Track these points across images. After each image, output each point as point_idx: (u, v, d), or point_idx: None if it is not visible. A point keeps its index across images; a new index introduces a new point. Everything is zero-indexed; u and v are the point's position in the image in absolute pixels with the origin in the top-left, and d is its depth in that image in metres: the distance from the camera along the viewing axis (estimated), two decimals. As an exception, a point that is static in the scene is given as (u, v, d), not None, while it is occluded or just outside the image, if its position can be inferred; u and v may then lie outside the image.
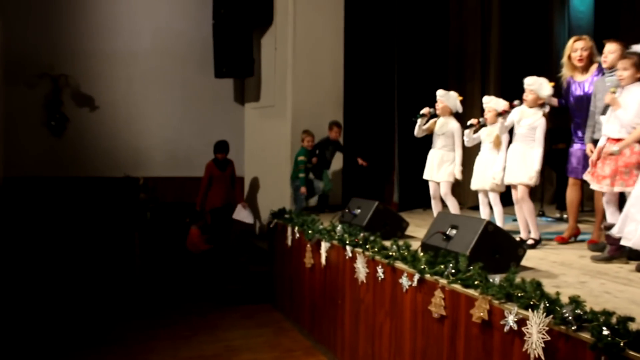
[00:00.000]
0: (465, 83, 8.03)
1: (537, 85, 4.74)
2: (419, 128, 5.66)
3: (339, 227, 5.07)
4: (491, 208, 5.22)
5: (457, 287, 3.32)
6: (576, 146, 4.97)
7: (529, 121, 4.76)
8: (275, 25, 8.41)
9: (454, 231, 3.79)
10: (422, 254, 3.86)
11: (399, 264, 3.97)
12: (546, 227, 6.00)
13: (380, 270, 4.23)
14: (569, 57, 4.95)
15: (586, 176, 4.31)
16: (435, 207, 5.76)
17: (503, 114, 4.85)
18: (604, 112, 4.32)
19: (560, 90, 5.11)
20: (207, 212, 8.14)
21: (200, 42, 8.76)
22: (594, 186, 4.24)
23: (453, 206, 5.58)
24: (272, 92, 8.47)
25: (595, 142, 4.48)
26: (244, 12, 8.28)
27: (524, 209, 4.80)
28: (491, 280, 3.10)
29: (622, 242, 3.74)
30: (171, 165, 8.81)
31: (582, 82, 4.92)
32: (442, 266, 3.47)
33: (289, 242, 6.37)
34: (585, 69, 4.92)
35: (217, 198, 8.09)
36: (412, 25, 8.14)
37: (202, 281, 7.82)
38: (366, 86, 8.17)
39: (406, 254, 3.91)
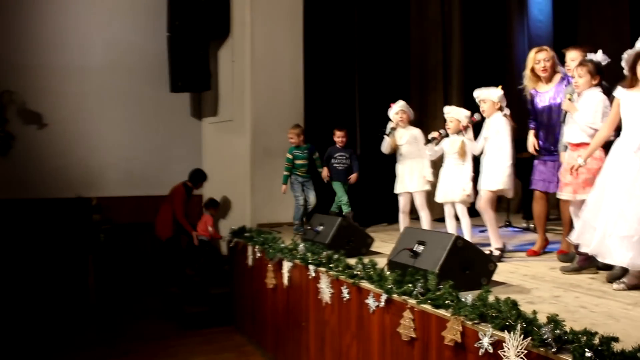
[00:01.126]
0: (428, 94, 7.93)
1: (486, 93, 4.68)
2: (389, 144, 5.54)
3: (301, 246, 4.82)
4: (457, 220, 5.06)
5: (427, 307, 3.11)
6: (542, 158, 4.86)
7: (493, 127, 4.67)
8: (233, 37, 8.17)
9: (422, 247, 3.59)
10: (388, 272, 3.64)
11: (365, 284, 3.74)
12: (513, 238, 5.88)
13: (345, 291, 3.99)
14: (532, 69, 4.83)
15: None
16: (403, 222, 5.58)
17: (465, 129, 4.77)
18: (563, 120, 4.26)
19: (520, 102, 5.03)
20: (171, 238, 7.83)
21: (155, 56, 8.43)
22: (559, 195, 4.17)
23: (426, 220, 5.42)
24: (230, 106, 8.21)
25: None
26: (199, 24, 8.01)
27: (486, 217, 4.65)
28: (463, 299, 2.90)
29: (581, 249, 3.66)
30: (126, 184, 8.42)
31: (546, 92, 4.82)
32: (411, 285, 3.26)
33: (250, 261, 6.10)
34: (548, 79, 4.83)
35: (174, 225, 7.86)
36: (373, 36, 8.05)
37: (160, 304, 7.45)
38: (327, 99, 7.97)
39: (372, 272, 3.69)
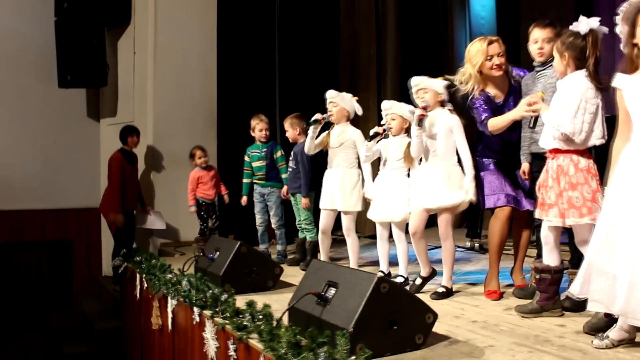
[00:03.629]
0: (359, 93, 6.93)
1: (427, 81, 3.66)
2: (312, 140, 4.41)
3: (184, 280, 3.69)
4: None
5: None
6: (492, 166, 3.66)
7: (442, 124, 3.62)
8: (134, 25, 6.99)
9: (333, 291, 2.53)
10: (286, 326, 2.56)
11: (255, 342, 2.65)
12: (459, 263, 4.92)
13: (232, 347, 2.89)
14: (481, 65, 3.51)
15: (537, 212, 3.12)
16: (323, 244, 4.52)
17: (422, 118, 3.56)
18: (534, 125, 3.18)
19: (462, 106, 3.90)
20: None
21: (41, 44, 7.13)
22: (546, 219, 2.99)
23: (353, 247, 4.32)
24: (131, 105, 7.01)
25: (533, 158, 3.40)
26: (93, 7, 6.78)
27: (445, 249, 3.64)
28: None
29: (590, 307, 2.51)
30: (4, 196, 7.04)
31: (504, 100, 3.61)
32: (312, 354, 2.19)
33: (138, 293, 4.92)
34: (500, 82, 3.60)
35: (130, 200, 6.26)
36: (298, 27, 7.10)
37: (33, 341, 6.14)
38: (244, 97, 6.89)
39: (263, 326, 2.60)
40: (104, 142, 7.60)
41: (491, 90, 3.60)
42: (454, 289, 3.71)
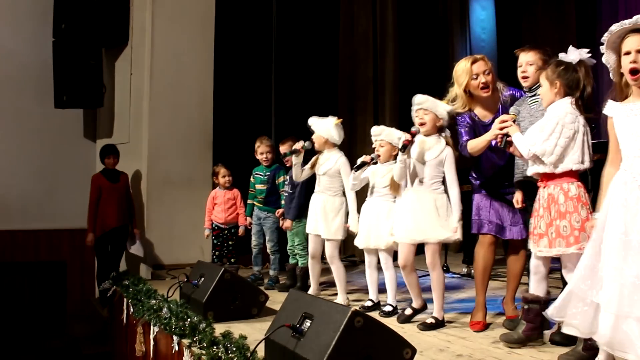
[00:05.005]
0: (357, 115, 6.91)
1: (432, 102, 3.54)
2: (297, 167, 4.34)
3: (165, 307, 3.59)
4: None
5: None
6: (485, 191, 3.59)
7: (434, 153, 3.53)
8: (131, 46, 6.96)
9: (308, 323, 2.44)
10: (260, 359, 2.47)
11: (227, 375, 2.56)
12: (453, 291, 4.80)
13: (207, 379, 2.79)
14: (467, 85, 3.46)
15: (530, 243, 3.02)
16: (313, 270, 4.43)
17: (407, 144, 3.49)
18: (504, 146, 3.08)
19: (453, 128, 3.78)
20: (96, 238, 6.16)
21: (38, 65, 7.10)
22: (533, 249, 2.94)
23: (338, 274, 4.23)
24: (127, 125, 6.97)
25: (523, 185, 3.26)
26: (91, 28, 6.75)
27: (433, 279, 3.54)
28: None
29: (564, 329, 2.49)
30: (0, 216, 6.99)
31: (492, 119, 3.46)
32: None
33: (124, 317, 4.83)
34: (488, 102, 3.54)
35: (109, 218, 6.15)
36: (296, 49, 7.09)
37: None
38: (240, 119, 6.85)
39: (236, 359, 2.50)
40: (99, 163, 7.54)
41: (478, 110, 3.54)
42: (445, 319, 3.60)
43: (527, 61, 3.25)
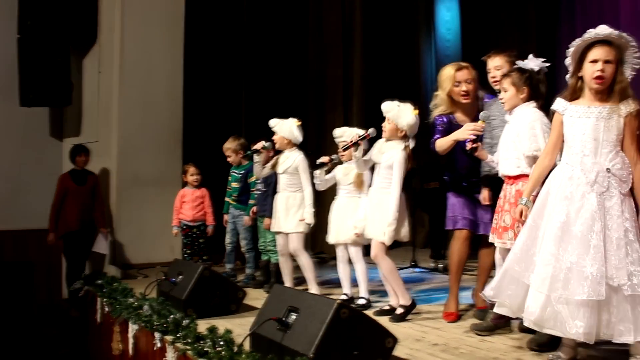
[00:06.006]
0: (326, 114, 7.01)
1: (396, 112, 3.67)
2: (258, 166, 4.47)
3: (146, 305, 3.63)
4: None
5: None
6: (457, 194, 3.70)
7: (387, 157, 3.70)
8: (100, 44, 6.91)
9: (294, 316, 2.53)
10: (247, 352, 2.55)
11: (216, 368, 2.63)
12: (421, 284, 4.96)
13: (192, 373, 2.86)
14: (449, 91, 3.63)
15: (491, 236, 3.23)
16: (285, 266, 4.52)
17: (356, 145, 3.72)
18: (470, 152, 3.29)
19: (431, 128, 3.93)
20: (61, 239, 6.18)
21: (3, 62, 6.99)
22: (496, 242, 3.15)
23: (307, 265, 4.33)
24: (96, 124, 6.92)
25: (492, 181, 3.41)
26: (58, 25, 6.67)
27: (382, 271, 3.70)
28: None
29: (497, 309, 2.73)
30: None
31: (468, 122, 3.66)
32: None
33: (99, 317, 4.83)
34: (468, 109, 3.69)
35: (72, 219, 6.12)
36: (266, 47, 7.14)
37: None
38: (210, 117, 6.87)
39: (224, 352, 2.57)
40: (66, 162, 7.43)
41: (458, 115, 3.69)
42: (419, 310, 3.75)
43: (495, 66, 3.44)
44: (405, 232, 3.67)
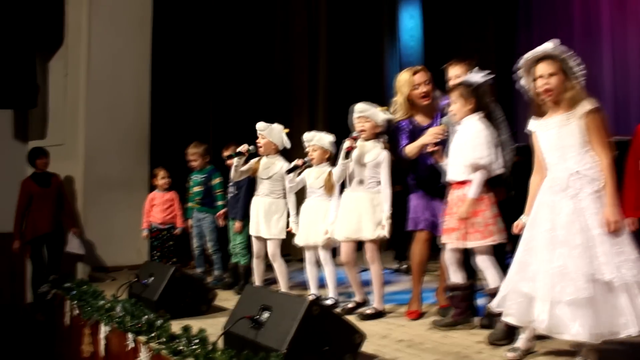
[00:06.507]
0: (293, 118, 7.11)
1: (372, 112, 3.85)
2: (236, 170, 4.51)
3: (119, 306, 3.70)
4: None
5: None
6: (419, 197, 3.88)
7: (372, 157, 3.84)
8: (67, 47, 6.89)
9: (267, 314, 2.65)
10: (221, 349, 2.65)
11: (191, 366, 2.73)
12: (385, 285, 5.09)
13: (167, 372, 2.94)
14: (409, 95, 3.77)
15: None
16: (258, 269, 4.63)
17: (350, 150, 3.80)
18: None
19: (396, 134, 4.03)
20: (28, 244, 6.09)
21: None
22: (444, 240, 3.36)
23: (280, 271, 4.46)
24: (62, 127, 6.88)
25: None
26: (23, 27, 6.63)
27: (372, 272, 3.85)
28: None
29: (504, 319, 2.82)
30: None
31: (429, 124, 3.84)
32: (246, 375, 2.29)
33: (67, 319, 4.84)
34: (428, 109, 3.85)
35: (40, 223, 6.06)
36: (233, 52, 7.21)
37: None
38: (178, 123, 6.91)
39: (199, 350, 2.67)
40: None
41: (418, 117, 3.85)
42: (385, 310, 3.90)
43: (455, 74, 3.63)
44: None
